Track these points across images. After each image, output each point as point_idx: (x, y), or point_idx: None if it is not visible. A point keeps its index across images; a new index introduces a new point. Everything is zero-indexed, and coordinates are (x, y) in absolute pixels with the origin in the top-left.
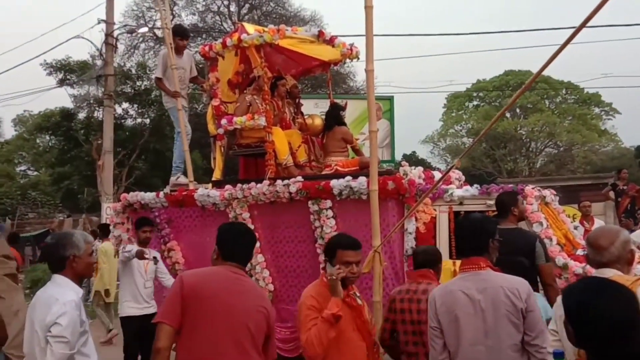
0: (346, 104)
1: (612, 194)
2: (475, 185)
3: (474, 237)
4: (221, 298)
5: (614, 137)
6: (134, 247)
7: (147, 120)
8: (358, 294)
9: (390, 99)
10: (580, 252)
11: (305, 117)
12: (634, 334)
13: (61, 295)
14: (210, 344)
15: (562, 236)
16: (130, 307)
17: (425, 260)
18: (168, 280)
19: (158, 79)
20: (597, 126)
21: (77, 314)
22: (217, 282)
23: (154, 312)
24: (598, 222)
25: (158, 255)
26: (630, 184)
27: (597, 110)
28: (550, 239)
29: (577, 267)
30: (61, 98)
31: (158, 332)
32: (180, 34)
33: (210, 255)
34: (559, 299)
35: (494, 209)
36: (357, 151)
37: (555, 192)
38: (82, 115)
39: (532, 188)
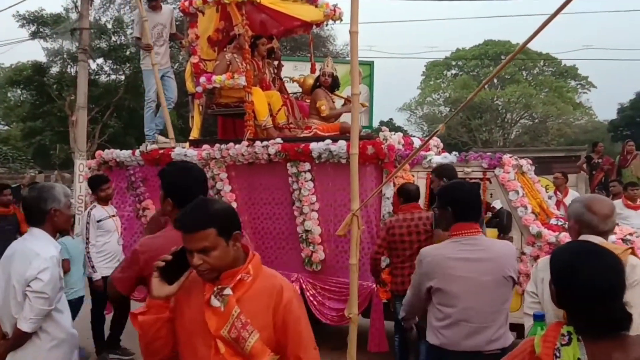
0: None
1: (586, 167)
2: (454, 153)
3: (468, 203)
4: None
5: (588, 110)
6: (102, 211)
7: (122, 77)
8: (228, 293)
9: (370, 64)
10: (553, 221)
11: (300, 76)
12: (616, 302)
13: (42, 250)
14: None
15: (537, 205)
16: (105, 268)
17: (415, 195)
18: None
19: (137, 39)
20: (572, 99)
21: (58, 270)
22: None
23: None
24: (572, 194)
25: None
26: (604, 157)
27: (573, 83)
28: (525, 207)
29: (551, 235)
30: (34, 52)
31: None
32: None
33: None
34: (542, 261)
35: (472, 176)
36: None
37: (531, 162)
38: (55, 69)
39: (510, 157)
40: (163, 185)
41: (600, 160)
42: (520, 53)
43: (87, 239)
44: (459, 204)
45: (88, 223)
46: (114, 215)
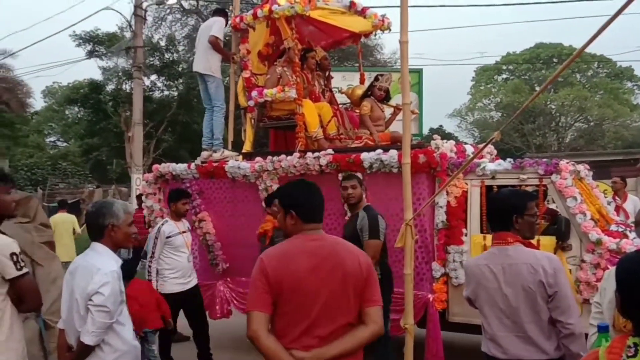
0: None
1: None
2: (509, 159)
3: (499, 213)
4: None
5: None
6: (173, 227)
7: (175, 93)
8: None
9: (419, 72)
10: (613, 227)
11: (348, 87)
12: None
13: (103, 265)
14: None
15: (596, 211)
16: (175, 284)
17: None
18: None
19: (216, 38)
20: (629, 101)
21: (118, 284)
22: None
23: (196, 284)
24: (631, 198)
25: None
26: None
27: (629, 84)
28: (584, 214)
29: (611, 242)
30: (90, 70)
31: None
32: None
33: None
34: (607, 272)
35: (527, 183)
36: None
37: (588, 167)
38: (110, 87)
39: (567, 163)
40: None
41: None
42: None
43: (153, 253)
44: (487, 214)
45: (156, 238)
46: (184, 232)
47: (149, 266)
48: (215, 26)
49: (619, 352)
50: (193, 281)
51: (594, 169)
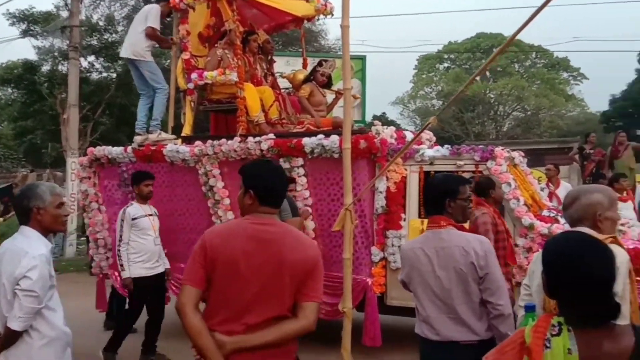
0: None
1: (578, 158)
2: (446, 146)
3: (433, 197)
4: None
5: (580, 102)
6: (139, 209)
7: (114, 75)
8: None
9: (362, 59)
10: (546, 212)
11: (291, 71)
12: (609, 292)
13: (31, 249)
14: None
15: (529, 197)
16: (141, 268)
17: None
18: None
19: (153, 29)
20: (564, 91)
21: (47, 268)
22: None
23: (164, 270)
24: (564, 185)
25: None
26: (596, 148)
27: (565, 75)
28: (518, 200)
29: (543, 227)
30: (24, 50)
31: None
32: None
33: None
34: (536, 254)
35: (464, 169)
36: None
37: (523, 154)
38: (45, 67)
39: (502, 150)
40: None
41: (592, 151)
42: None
43: (121, 236)
44: (423, 199)
45: (122, 220)
46: (151, 215)
47: (119, 250)
48: (151, 16)
49: (544, 330)
50: (161, 267)
51: (529, 157)
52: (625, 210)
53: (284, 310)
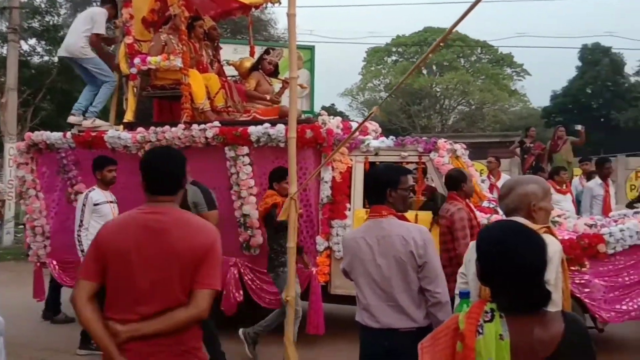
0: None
1: (519, 151)
2: (391, 137)
3: (374, 186)
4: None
5: (522, 97)
6: (101, 195)
7: (56, 59)
8: None
9: (311, 49)
10: (486, 203)
11: (238, 59)
12: (541, 279)
13: None
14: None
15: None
16: None
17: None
18: None
19: (97, 36)
20: (507, 86)
21: None
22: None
23: None
24: (504, 177)
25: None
26: (536, 142)
27: (509, 70)
28: None
29: (483, 217)
30: None
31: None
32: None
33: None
34: (472, 243)
35: (408, 160)
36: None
37: (465, 147)
38: None
39: (444, 142)
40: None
41: (532, 145)
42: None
43: (81, 221)
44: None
45: (84, 205)
46: (112, 202)
47: (79, 235)
48: (97, 23)
49: (477, 317)
50: None
51: (473, 150)
52: (565, 202)
53: (179, 300)
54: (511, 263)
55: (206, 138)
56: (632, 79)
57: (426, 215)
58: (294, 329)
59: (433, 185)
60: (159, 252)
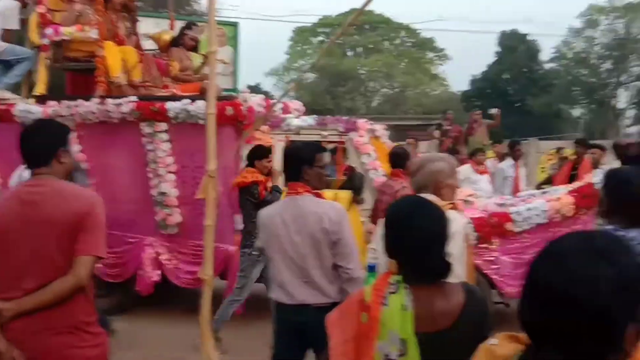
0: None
1: (438, 134)
2: (312, 116)
3: (290, 164)
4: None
5: (443, 81)
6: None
7: None
8: None
9: (235, 25)
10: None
11: (157, 32)
12: (442, 251)
13: None
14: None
15: (389, 168)
16: None
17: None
18: None
19: (10, 31)
20: (429, 70)
21: None
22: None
23: None
24: None
25: None
26: (454, 125)
27: (430, 54)
28: (377, 170)
29: None
30: None
31: None
32: None
33: None
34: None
35: (329, 139)
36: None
37: (385, 127)
38: None
39: (364, 122)
40: None
41: (449, 128)
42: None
43: None
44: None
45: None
46: None
47: None
48: (10, 18)
49: (382, 289)
50: None
51: (396, 132)
52: (482, 182)
53: (62, 271)
54: (413, 235)
55: (122, 113)
56: (547, 66)
57: (346, 194)
58: (228, 312)
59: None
60: (35, 223)
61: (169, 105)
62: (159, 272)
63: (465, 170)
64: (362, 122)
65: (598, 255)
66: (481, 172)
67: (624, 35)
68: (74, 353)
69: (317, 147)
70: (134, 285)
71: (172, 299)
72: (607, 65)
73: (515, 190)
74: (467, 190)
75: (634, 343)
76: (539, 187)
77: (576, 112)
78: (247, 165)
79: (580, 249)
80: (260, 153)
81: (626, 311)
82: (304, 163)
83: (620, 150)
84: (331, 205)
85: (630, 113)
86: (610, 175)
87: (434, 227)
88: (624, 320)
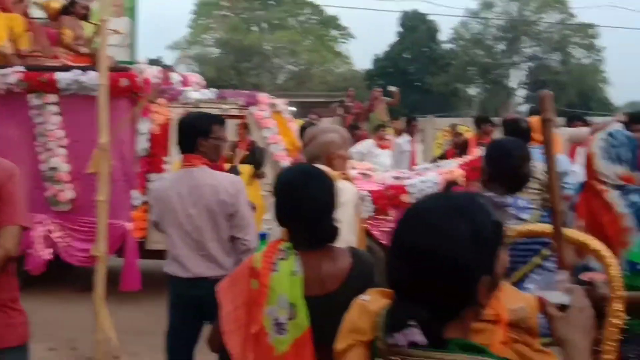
0: None
1: (340, 111)
2: (212, 89)
3: (185, 135)
4: None
5: (347, 60)
6: None
7: None
8: None
9: None
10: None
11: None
12: (330, 216)
13: None
14: None
15: (290, 142)
16: None
17: None
18: None
19: None
20: (333, 48)
21: None
22: None
23: None
24: None
25: None
26: (355, 102)
27: (335, 32)
28: (278, 144)
29: None
30: None
31: None
32: None
33: None
34: None
35: (230, 113)
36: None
37: (287, 103)
38: None
39: (265, 96)
40: None
41: (351, 105)
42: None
43: None
44: None
45: None
46: None
47: None
48: None
49: (272, 255)
50: None
51: (301, 109)
52: (383, 157)
53: None
54: (301, 201)
55: (8, 84)
56: (446, 46)
57: (248, 169)
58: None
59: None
60: None
61: (59, 75)
62: (51, 250)
63: (367, 144)
64: (262, 96)
65: (456, 212)
66: (383, 147)
67: (517, 17)
68: (5, 332)
69: (213, 118)
70: (24, 264)
71: (66, 278)
72: (501, 46)
73: (412, 165)
74: (366, 164)
75: (487, 296)
76: (434, 161)
77: (472, 91)
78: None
79: (440, 207)
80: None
81: (480, 265)
82: (199, 134)
83: (508, 126)
84: (228, 177)
85: (522, 92)
86: (493, 147)
87: (323, 195)
88: (478, 273)
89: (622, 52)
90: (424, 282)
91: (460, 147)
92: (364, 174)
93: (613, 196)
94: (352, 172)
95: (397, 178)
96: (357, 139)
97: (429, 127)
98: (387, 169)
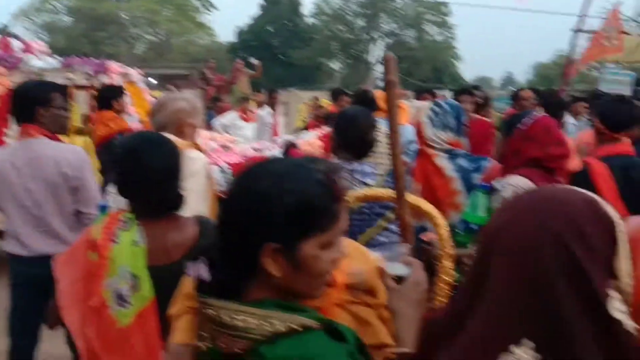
0: None
1: (201, 83)
2: (57, 57)
3: (20, 104)
4: None
5: (209, 31)
6: None
7: None
8: None
9: None
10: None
11: None
12: (172, 184)
13: None
14: None
15: (144, 113)
16: None
17: None
18: None
19: None
20: (194, 18)
21: None
22: None
23: None
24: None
25: None
26: (217, 74)
27: (197, 3)
28: (131, 115)
29: None
30: None
31: None
32: None
33: None
34: None
35: (77, 83)
36: None
37: (144, 74)
38: None
39: (116, 64)
40: None
41: (212, 77)
42: None
43: None
44: None
45: None
46: None
47: None
48: None
49: (112, 227)
50: None
51: (163, 81)
52: (247, 129)
53: None
54: (142, 168)
55: None
56: (308, 21)
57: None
58: None
59: None
60: None
61: None
62: None
63: (231, 117)
64: (113, 65)
65: (263, 178)
66: (247, 120)
67: None
68: None
69: (53, 86)
70: None
71: None
72: (361, 22)
73: (274, 137)
74: (228, 136)
75: (273, 264)
76: (296, 133)
77: (335, 65)
78: (101, 108)
79: (256, 172)
80: (116, 91)
81: (260, 232)
82: (37, 103)
83: (356, 96)
84: (70, 148)
85: (380, 68)
86: (340, 116)
87: (165, 162)
88: (257, 239)
89: (472, 30)
90: (223, 239)
91: (323, 119)
92: (224, 146)
93: (442, 160)
94: (212, 144)
95: (257, 150)
96: (219, 111)
97: (292, 100)
98: (250, 141)
